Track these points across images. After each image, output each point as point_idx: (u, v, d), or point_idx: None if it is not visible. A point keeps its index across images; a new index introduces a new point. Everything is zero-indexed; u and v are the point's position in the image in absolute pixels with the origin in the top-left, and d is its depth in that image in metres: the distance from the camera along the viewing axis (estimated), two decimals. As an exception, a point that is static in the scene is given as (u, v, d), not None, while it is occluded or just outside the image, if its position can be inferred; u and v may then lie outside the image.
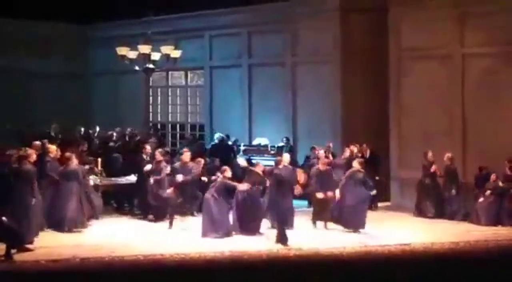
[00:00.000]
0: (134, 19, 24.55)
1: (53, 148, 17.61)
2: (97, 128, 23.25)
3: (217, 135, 22.94)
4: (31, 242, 14.80)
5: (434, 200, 19.49)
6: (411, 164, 20.72)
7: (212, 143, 23.09)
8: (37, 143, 17.72)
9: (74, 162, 17.13)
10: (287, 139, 22.62)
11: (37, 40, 26.67)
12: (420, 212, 19.61)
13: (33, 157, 15.44)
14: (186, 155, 18.27)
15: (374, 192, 17.72)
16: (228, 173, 16.67)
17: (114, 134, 22.90)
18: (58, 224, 16.68)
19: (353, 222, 17.12)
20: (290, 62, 23.55)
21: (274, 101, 23.70)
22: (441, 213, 19.28)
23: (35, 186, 15.22)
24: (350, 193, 17.23)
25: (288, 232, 16.26)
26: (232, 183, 16.55)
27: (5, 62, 25.73)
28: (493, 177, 18.50)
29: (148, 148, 19.13)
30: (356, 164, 17.59)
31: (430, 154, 19.53)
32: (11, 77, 26.04)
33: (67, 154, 17.29)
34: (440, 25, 20.44)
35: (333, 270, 13.60)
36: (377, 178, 20.74)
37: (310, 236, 16.72)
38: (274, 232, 16.68)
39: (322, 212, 17.67)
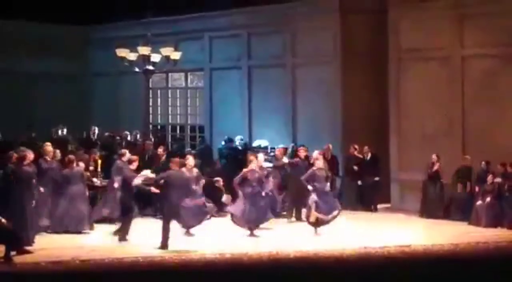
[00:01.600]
0: (134, 20, 24.55)
1: (50, 149, 17.59)
2: (96, 130, 23.23)
3: (238, 137, 22.84)
4: (30, 244, 14.79)
5: (438, 202, 19.53)
6: (411, 166, 20.75)
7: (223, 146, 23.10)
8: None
9: (77, 165, 17.23)
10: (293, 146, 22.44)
11: (37, 41, 26.65)
12: (424, 213, 19.66)
13: (30, 158, 15.42)
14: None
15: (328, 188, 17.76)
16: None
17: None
18: (66, 226, 16.84)
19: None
20: (290, 64, 23.56)
21: (274, 102, 23.70)
22: (445, 215, 19.35)
23: (34, 187, 15.20)
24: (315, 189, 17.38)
25: (290, 233, 16.37)
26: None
27: (5, 64, 25.71)
28: (489, 178, 18.47)
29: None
30: (319, 162, 17.69)
31: (434, 156, 19.54)
32: (11, 78, 26.02)
33: (70, 157, 17.36)
34: (439, 26, 20.45)
35: (333, 272, 13.60)
36: (376, 178, 20.87)
37: (310, 237, 16.73)
38: (268, 233, 16.83)
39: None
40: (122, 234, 15.97)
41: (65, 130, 22.77)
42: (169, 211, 15.40)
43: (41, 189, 16.26)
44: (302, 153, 19.40)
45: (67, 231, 16.86)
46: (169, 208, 15.40)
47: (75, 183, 17.09)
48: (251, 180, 16.91)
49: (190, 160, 17.32)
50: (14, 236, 14.13)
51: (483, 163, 18.95)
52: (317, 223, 17.14)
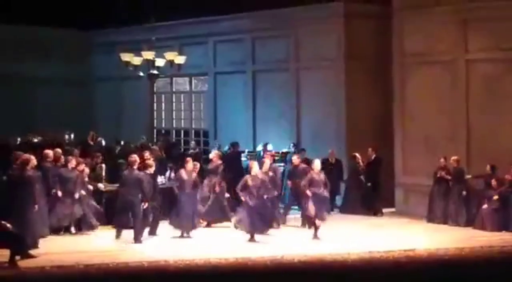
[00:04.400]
0: (137, 25, 24.57)
1: (51, 153, 17.61)
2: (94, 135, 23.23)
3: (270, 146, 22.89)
4: (34, 247, 14.80)
5: (444, 206, 19.48)
6: (415, 170, 20.73)
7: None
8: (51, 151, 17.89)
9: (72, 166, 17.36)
10: (294, 145, 22.63)
11: (40, 46, 26.69)
12: (431, 218, 19.62)
13: (34, 162, 15.46)
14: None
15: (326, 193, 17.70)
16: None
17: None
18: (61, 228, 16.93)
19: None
20: (294, 68, 23.57)
21: (278, 106, 23.72)
22: (450, 219, 19.31)
23: (37, 191, 15.22)
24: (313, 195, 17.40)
25: (294, 237, 16.39)
26: None
27: (7, 68, 25.73)
28: (494, 183, 18.41)
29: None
30: (316, 167, 17.69)
31: (442, 160, 19.50)
32: (14, 83, 26.05)
33: (69, 158, 17.49)
34: (443, 31, 20.44)
35: (337, 276, 13.58)
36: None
37: (314, 242, 16.72)
38: (272, 238, 16.84)
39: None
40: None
41: (72, 135, 22.79)
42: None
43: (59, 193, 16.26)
44: (296, 160, 19.47)
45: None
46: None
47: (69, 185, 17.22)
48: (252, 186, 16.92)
49: (190, 164, 17.41)
50: (18, 241, 14.14)
51: (488, 166, 18.89)
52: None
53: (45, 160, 17.21)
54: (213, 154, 19.80)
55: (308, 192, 17.27)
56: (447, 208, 19.40)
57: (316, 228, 17.10)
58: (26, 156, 15.38)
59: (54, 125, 24.01)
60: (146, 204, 16.36)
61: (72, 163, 17.39)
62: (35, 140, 22.32)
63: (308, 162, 19.31)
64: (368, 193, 20.99)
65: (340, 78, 22.43)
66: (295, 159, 19.45)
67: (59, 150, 18.16)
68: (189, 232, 17.06)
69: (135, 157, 16.90)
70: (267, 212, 17.04)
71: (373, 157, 21.08)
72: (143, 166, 16.85)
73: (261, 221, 16.74)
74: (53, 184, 16.99)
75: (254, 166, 17.16)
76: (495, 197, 18.23)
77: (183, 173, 17.31)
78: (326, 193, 17.57)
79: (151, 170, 16.83)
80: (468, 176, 19.30)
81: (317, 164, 17.63)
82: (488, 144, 19.62)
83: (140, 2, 23.41)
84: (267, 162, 18.22)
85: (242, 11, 23.88)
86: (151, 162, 17.19)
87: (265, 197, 17.06)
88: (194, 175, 17.49)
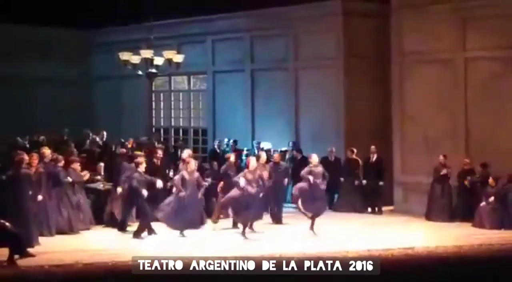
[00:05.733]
0: (135, 24, 24.57)
1: (48, 152, 17.61)
2: (105, 134, 23.27)
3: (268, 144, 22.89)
4: (32, 246, 14.82)
5: (444, 205, 19.46)
6: (414, 168, 20.74)
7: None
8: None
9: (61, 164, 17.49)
10: (294, 143, 22.62)
11: (39, 45, 26.69)
12: (430, 216, 19.60)
13: (33, 161, 15.48)
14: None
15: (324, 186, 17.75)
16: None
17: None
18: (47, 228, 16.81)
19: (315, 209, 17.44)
20: (293, 67, 23.56)
21: (277, 105, 23.70)
22: (450, 217, 19.32)
23: (35, 190, 15.25)
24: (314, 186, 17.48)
25: (293, 235, 16.37)
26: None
27: (7, 68, 25.73)
28: (491, 182, 18.41)
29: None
30: (314, 160, 17.76)
31: (441, 158, 19.49)
32: (13, 83, 26.05)
33: (59, 157, 17.59)
34: (442, 29, 20.45)
35: (336, 275, 13.55)
36: (381, 183, 20.82)
37: (313, 239, 16.72)
38: (270, 236, 16.83)
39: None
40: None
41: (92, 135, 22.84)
42: None
43: (40, 197, 16.11)
44: (277, 158, 19.66)
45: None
46: None
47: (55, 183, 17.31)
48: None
49: (192, 164, 17.41)
50: (17, 239, 14.13)
51: (478, 167, 18.92)
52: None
53: (43, 159, 17.22)
54: (186, 154, 18.97)
55: (310, 177, 17.31)
56: (446, 206, 19.43)
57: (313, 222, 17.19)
58: (22, 154, 15.40)
59: (54, 125, 24.01)
60: (119, 189, 17.28)
61: (62, 162, 17.47)
62: (42, 139, 22.35)
63: (305, 159, 19.26)
64: (366, 191, 20.98)
65: (339, 76, 22.43)
66: (276, 156, 19.69)
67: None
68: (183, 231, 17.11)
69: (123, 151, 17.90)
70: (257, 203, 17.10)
71: (375, 157, 21.02)
72: (135, 164, 17.08)
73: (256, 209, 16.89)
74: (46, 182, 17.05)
75: (252, 161, 17.25)
76: (491, 198, 18.24)
77: (185, 173, 17.29)
78: (324, 185, 17.64)
79: (142, 168, 16.98)
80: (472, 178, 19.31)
81: (314, 157, 17.75)
82: (487, 142, 19.64)
83: (140, 1, 23.37)
84: (263, 155, 18.45)
85: (241, 9, 23.87)
86: (141, 159, 17.28)
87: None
88: (197, 174, 17.48)
